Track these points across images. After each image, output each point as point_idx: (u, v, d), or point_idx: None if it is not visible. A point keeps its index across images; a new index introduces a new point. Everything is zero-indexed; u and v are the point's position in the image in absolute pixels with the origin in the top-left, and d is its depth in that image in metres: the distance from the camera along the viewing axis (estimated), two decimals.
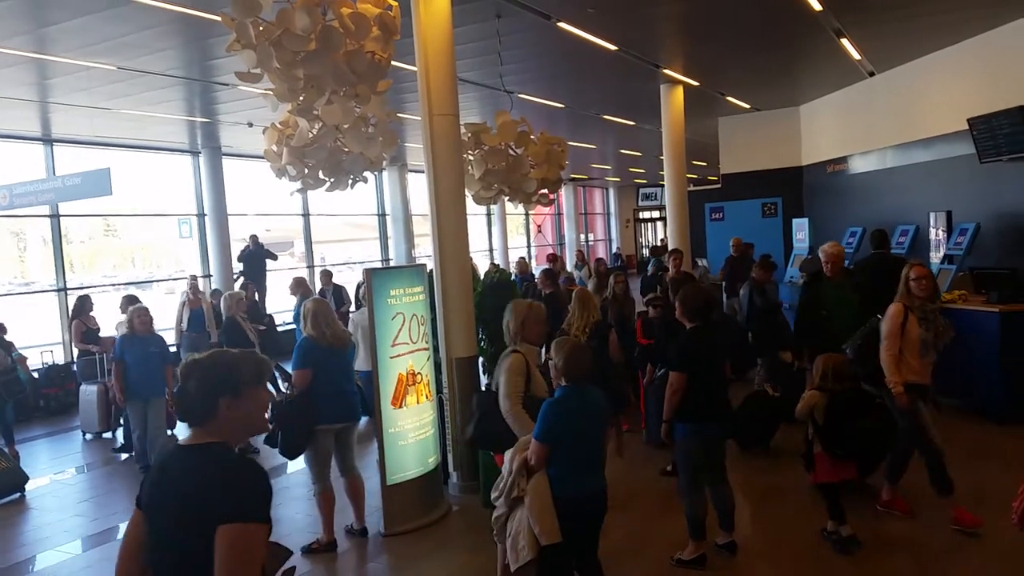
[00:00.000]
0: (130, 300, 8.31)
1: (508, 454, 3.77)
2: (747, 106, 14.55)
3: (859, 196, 12.87)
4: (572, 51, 9.36)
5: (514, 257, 19.75)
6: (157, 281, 16.23)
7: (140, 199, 14.40)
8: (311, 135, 5.97)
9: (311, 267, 16.77)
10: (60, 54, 7.90)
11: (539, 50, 9.57)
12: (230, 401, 2.04)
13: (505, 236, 25.23)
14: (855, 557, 4.62)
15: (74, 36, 7.37)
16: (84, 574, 5.32)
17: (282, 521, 5.90)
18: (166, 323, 9.95)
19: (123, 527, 5.80)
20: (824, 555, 4.70)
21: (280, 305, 14.23)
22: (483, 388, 5.12)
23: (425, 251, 16.39)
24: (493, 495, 3.79)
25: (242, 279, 13.83)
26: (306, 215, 16.94)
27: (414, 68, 6.27)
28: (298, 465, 6.47)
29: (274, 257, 14.76)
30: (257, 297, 12.36)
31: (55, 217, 12.20)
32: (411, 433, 5.60)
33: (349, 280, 13.10)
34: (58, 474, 8.01)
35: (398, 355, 5.53)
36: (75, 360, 10.43)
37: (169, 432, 7.50)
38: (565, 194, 29.15)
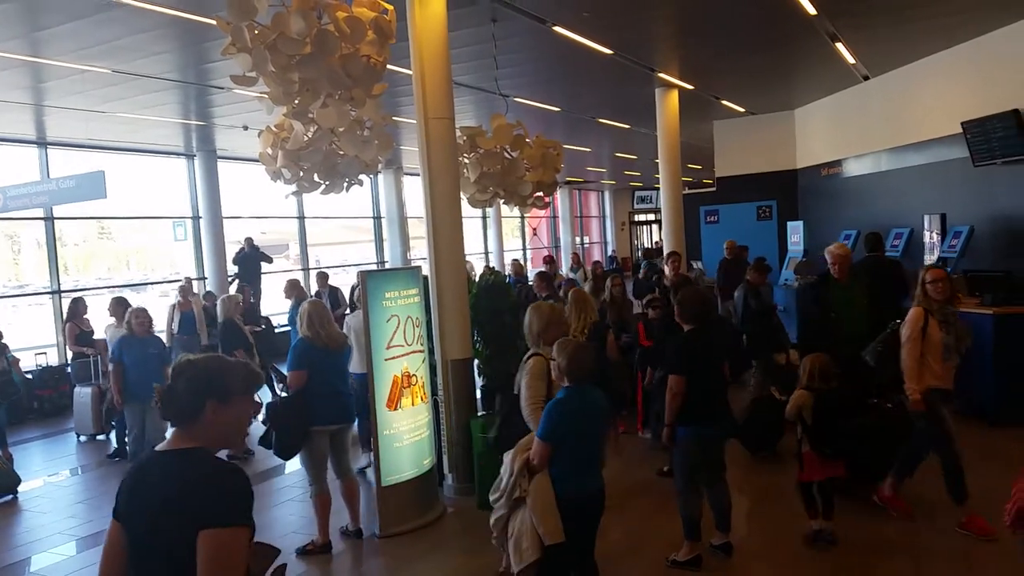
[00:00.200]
0: (119, 302, 8.28)
1: (508, 455, 3.78)
2: (742, 110, 14.60)
3: (854, 199, 12.91)
4: (567, 55, 9.38)
5: (509, 260, 19.77)
6: (152, 284, 16.17)
7: (135, 202, 14.35)
8: (306, 138, 5.97)
9: (306, 270, 16.75)
10: (55, 57, 7.89)
11: (535, 54, 9.61)
12: (216, 405, 2.02)
13: (501, 239, 25.26)
14: (852, 558, 4.63)
15: (69, 39, 7.36)
16: None
17: (277, 522, 5.89)
18: (158, 326, 9.90)
19: None
20: (819, 557, 4.70)
21: (275, 308, 14.21)
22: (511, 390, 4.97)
23: (421, 254, 16.37)
24: (493, 496, 3.79)
25: (237, 282, 13.79)
26: (301, 218, 16.94)
27: (410, 72, 6.28)
28: (294, 466, 6.46)
29: (269, 260, 14.71)
30: (253, 300, 12.33)
31: (49, 220, 12.17)
32: (406, 435, 5.60)
33: (345, 283, 13.09)
34: (52, 476, 7.98)
35: (393, 357, 5.54)
36: (69, 362, 10.42)
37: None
38: (561, 197, 29.23)
